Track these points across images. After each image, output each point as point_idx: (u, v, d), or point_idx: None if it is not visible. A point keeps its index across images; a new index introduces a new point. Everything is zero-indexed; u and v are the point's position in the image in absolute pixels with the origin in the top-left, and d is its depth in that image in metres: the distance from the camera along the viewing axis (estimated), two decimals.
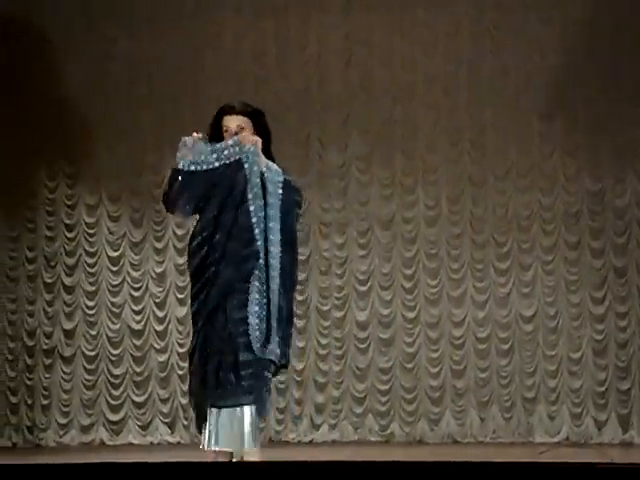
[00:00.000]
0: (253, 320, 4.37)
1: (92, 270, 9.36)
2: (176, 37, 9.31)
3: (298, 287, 9.33)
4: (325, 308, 9.25)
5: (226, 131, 4.73)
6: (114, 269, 9.35)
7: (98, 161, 9.34)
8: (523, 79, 9.17)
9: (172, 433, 9.19)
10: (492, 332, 9.11)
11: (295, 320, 4.85)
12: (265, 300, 4.41)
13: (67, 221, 9.40)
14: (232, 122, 4.73)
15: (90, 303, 9.34)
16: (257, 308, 4.39)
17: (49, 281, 9.35)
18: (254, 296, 4.40)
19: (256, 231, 4.45)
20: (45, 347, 9.30)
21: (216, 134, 4.76)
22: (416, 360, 9.14)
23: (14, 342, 9.31)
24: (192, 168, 4.65)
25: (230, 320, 4.37)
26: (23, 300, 9.36)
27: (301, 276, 9.32)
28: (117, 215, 9.39)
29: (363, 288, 9.24)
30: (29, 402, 9.25)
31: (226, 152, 4.64)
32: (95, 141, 9.32)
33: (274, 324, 4.41)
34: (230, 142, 4.65)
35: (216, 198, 4.49)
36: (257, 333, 4.37)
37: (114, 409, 9.23)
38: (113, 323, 9.31)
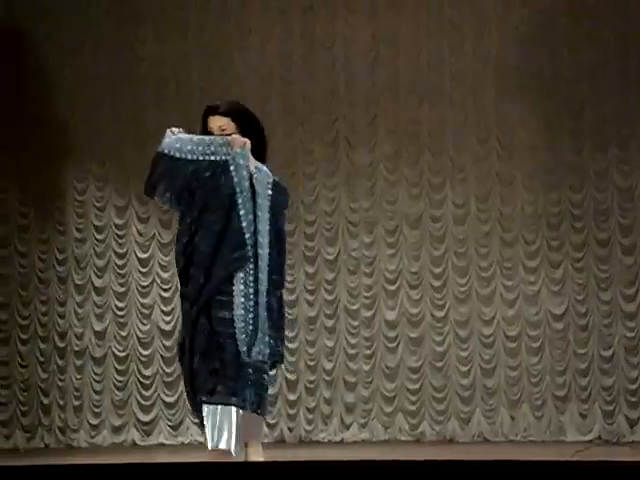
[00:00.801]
0: (239, 323, 4.35)
1: (122, 271, 9.41)
2: (203, 38, 9.34)
3: (327, 287, 9.35)
4: (354, 307, 9.25)
5: (210, 132, 4.75)
6: (143, 270, 9.40)
7: (127, 162, 9.38)
8: (552, 75, 9.11)
9: (203, 433, 9.20)
10: (522, 330, 9.07)
11: (286, 316, 4.74)
12: (252, 303, 4.37)
13: (97, 223, 9.45)
14: (214, 123, 4.73)
15: (120, 304, 9.39)
16: (242, 311, 4.35)
17: (79, 283, 9.41)
18: (239, 299, 4.36)
19: (247, 235, 4.39)
20: (76, 348, 9.36)
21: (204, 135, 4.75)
22: (446, 359, 9.12)
23: (45, 344, 9.38)
24: (177, 155, 4.62)
25: (216, 323, 4.34)
26: (54, 302, 9.42)
27: (329, 276, 9.34)
28: (146, 216, 9.44)
29: (392, 287, 9.23)
30: (61, 403, 9.31)
31: (212, 148, 4.60)
32: (123, 142, 9.37)
33: (262, 326, 4.38)
34: (219, 140, 4.60)
35: (199, 196, 4.43)
36: (243, 336, 4.34)
37: (145, 410, 9.27)
38: (143, 324, 9.36)
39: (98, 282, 9.41)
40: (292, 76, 9.35)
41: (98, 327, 9.37)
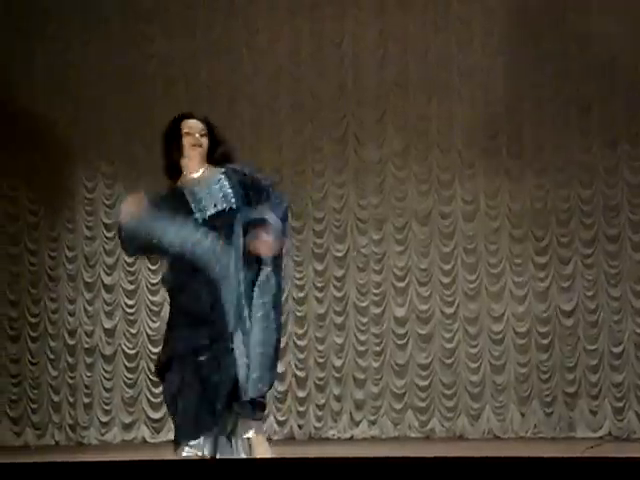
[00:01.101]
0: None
1: (131, 269, 9.43)
2: (212, 36, 9.35)
3: (337, 284, 9.32)
4: (363, 304, 9.25)
5: (188, 134, 4.77)
6: (153, 268, 9.41)
7: (136, 160, 9.39)
8: (561, 71, 9.09)
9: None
10: (532, 327, 9.05)
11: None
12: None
13: (106, 220, 9.47)
14: (194, 126, 4.79)
15: (130, 302, 9.41)
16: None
17: (89, 280, 9.43)
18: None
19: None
20: (86, 346, 9.38)
21: (173, 142, 4.76)
22: (455, 356, 9.11)
23: (55, 341, 9.41)
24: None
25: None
26: (64, 299, 9.44)
27: (339, 273, 9.34)
28: None
29: (401, 284, 9.22)
30: (71, 401, 9.33)
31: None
32: (133, 140, 9.38)
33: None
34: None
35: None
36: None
37: (155, 407, 9.28)
38: (153, 321, 9.37)
39: (108, 280, 9.43)
40: (300, 73, 9.35)
41: (108, 324, 9.39)
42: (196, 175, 4.73)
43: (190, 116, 4.85)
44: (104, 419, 9.30)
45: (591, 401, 8.91)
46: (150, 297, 9.39)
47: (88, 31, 9.38)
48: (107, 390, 9.33)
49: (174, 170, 4.79)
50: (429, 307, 9.18)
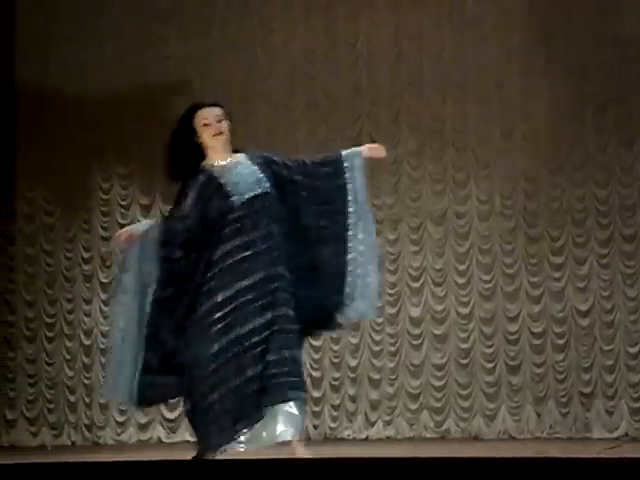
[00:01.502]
0: None
1: None
2: (226, 35, 9.36)
3: None
4: (378, 304, 9.22)
5: (205, 125, 4.72)
6: None
7: (151, 161, 9.39)
8: (576, 70, 9.05)
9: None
10: (547, 327, 9.02)
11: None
12: None
13: (122, 221, 9.49)
14: (211, 113, 4.72)
15: None
16: None
17: (105, 281, 9.45)
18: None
19: None
20: (102, 346, 9.39)
21: (188, 137, 4.75)
22: (471, 356, 9.09)
23: (71, 342, 9.43)
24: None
25: None
26: (79, 300, 9.47)
27: None
28: None
29: (416, 284, 9.21)
30: (87, 401, 9.35)
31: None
32: (148, 141, 9.39)
33: None
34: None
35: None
36: None
37: (171, 407, 9.29)
38: None
39: None
40: (315, 73, 9.35)
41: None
42: (223, 162, 4.70)
43: (201, 105, 4.75)
44: (120, 419, 9.32)
45: (607, 401, 8.88)
46: None
47: (103, 31, 9.40)
48: None
49: (185, 165, 4.75)
50: (444, 307, 9.16)
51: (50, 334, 9.45)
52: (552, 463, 3.31)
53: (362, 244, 4.73)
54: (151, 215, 9.49)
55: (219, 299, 4.49)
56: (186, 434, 9.28)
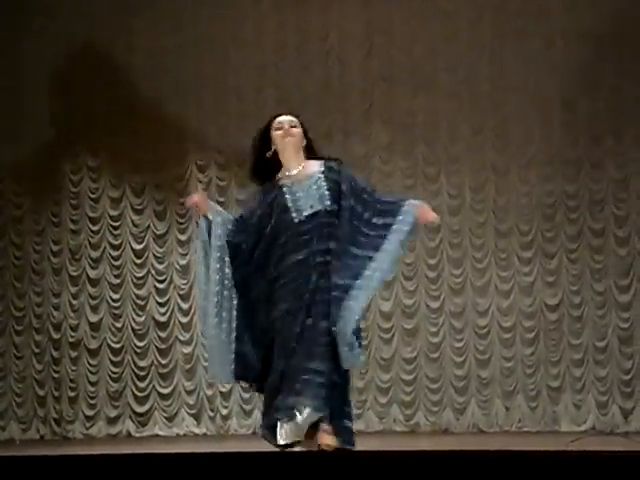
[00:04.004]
0: None
1: (117, 263, 9.41)
2: (197, 29, 9.32)
3: None
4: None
5: (277, 128, 5.00)
6: (138, 262, 9.39)
7: (121, 154, 9.37)
8: (546, 66, 9.11)
9: (198, 424, 9.23)
10: (517, 321, 9.08)
11: None
12: None
13: (91, 214, 9.44)
14: (285, 119, 5.05)
15: (115, 296, 9.38)
16: None
17: (74, 274, 9.40)
18: None
19: None
20: (71, 340, 9.36)
21: (263, 140, 5.01)
22: (441, 350, 9.13)
23: (40, 335, 9.38)
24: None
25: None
26: (48, 293, 9.42)
27: None
28: (141, 208, 9.43)
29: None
30: (56, 395, 9.31)
31: None
32: (118, 134, 9.36)
33: None
34: None
35: None
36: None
37: (140, 401, 9.27)
38: (138, 315, 9.36)
39: (93, 273, 9.40)
40: (286, 67, 9.34)
41: (93, 318, 9.37)
42: (295, 172, 4.93)
43: (279, 115, 5.08)
44: (89, 413, 9.29)
45: (575, 395, 8.95)
46: (135, 291, 9.38)
47: (74, 24, 9.34)
48: (92, 384, 9.31)
49: (265, 170, 4.96)
50: (415, 301, 9.19)
51: (19, 327, 9.39)
52: (520, 456, 3.33)
53: (372, 281, 4.84)
54: (120, 208, 9.45)
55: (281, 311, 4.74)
56: (155, 428, 9.27)
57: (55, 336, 9.37)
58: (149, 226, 9.41)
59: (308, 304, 4.70)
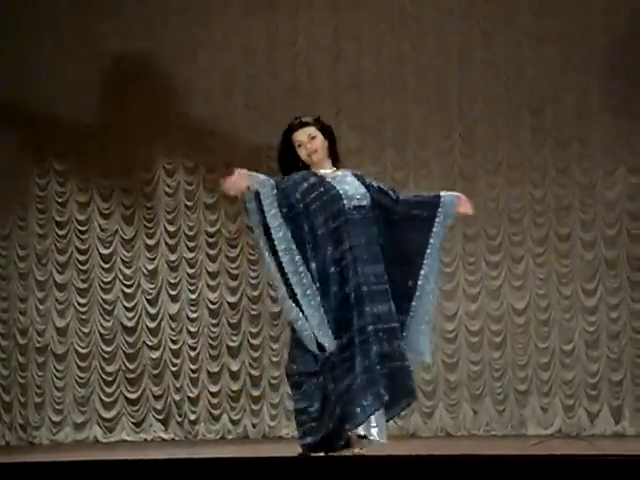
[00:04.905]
0: None
1: (84, 267, 9.35)
2: (166, 33, 9.29)
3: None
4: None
5: (299, 146, 5.01)
6: (106, 266, 9.34)
7: (89, 158, 9.33)
8: (513, 72, 9.18)
9: (166, 430, 9.19)
10: (484, 325, 9.13)
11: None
12: None
13: (58, 218, 9.39)
14: (302, 135, 5.00)
15: (82, 300, 9.33)
16: None
17: (41, 279, 9.34)
18: None
19: None
20: (37, 345, 9.29)
21: (288, 154, 5.04)
22: None
23: (6, 340, 9.30)
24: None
25: None
26: (15, 298, 9.34)
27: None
28: (108, 212, 9.38)
29: None
30: (22, 400, 9.24)
31: None
32: (85, 138, 9.31)
33: None
34: None
35: None
36: None
37: (107, 406, 9.23)
38: (105, 320, 9.31)
39: (60, 278, 9.35)
40: (255, 72, 9.33)
41: (60, 323, 9.31)
42: (329, 171, 5.00)
43: (295, 127, 5.03)
44: (56, 419, 9.22)
45: (542, 398, 9.01)
46: (102, 296, 9.33)
47: (41, 28, 9.28)
48: (59, 389, 9.25)
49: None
50: None
51: None
52: (487, 460, 3.35)
53: (429, 283, 5.06)
54: (87, 212, 9.40)
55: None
56: (123, 433, 9.22)
57: (21, 341, 9.30)
58: (117, 230, 9.37)
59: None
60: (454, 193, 5.16)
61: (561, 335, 9.05)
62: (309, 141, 4.98)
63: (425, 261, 5.02)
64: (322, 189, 4.88)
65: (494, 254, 9.17)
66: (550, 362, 9.04)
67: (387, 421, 4.84)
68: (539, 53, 9.13)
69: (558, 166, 9.15)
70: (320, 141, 5.01)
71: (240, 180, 4.82)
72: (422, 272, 5.00)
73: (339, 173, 5.02)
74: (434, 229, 5.06)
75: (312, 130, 5.02)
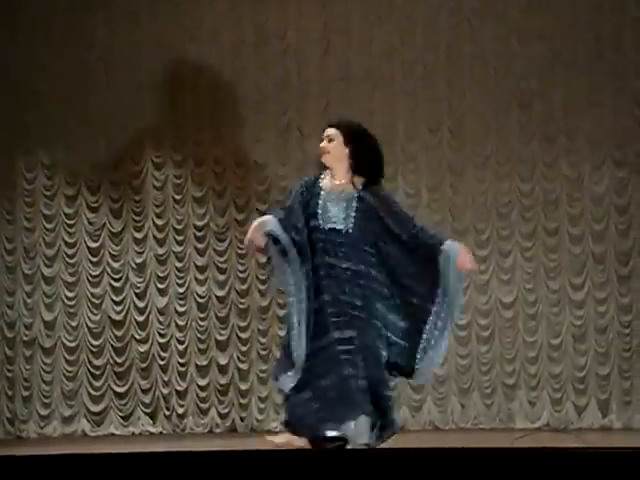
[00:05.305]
0: None
1: (72, 261, 9.33)
2: (154, 26, 9.27)
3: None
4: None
5: (321, 141, 5.25)
6: (94, 260, 9.32)
7: (76, 152, 9.29)
8: (502, 66, 9.19)
9: (154, 423, 9.19)
10: (472, 319, 9.15)
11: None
12: None
13: (46, 212, 9.36)
14: (325, 133, 5.21)
15: (70, 294, 9.31)
16: None
17: (28, 272, 9.31)
18: None
19: None
20: (25, 338, 9.27)
21: None
22: None
23: None
24: None
25: None
26: (2, 291, 9.31)
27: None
28: (96, 206, 9.36)
29: None
30: (10, 394, 9.22)
31: None
32: (73, 131, 9.28)
33: None
34: None
35: None
36: None
37: (95, 400, 9.21)
38: (93, 314, 9.29)
39: (47, 272, 9.32)
40: (243, 65, 9.32)
41: (48, 317, 9.28)
42: (337, 182, 5.12)
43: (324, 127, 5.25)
44: (43, 412, 9.20)
45: (530, 392, 9.04)
46: (91, 289, 9.31)
47: (29, 20, 9.24)
48: (46, 383, 9.23)
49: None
50: None
51: None
52: (475, 453, 3.36)
53: (441, 320, 5.14)
54: (75, 205, 9.37)
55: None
56: (111, 427, 9.21)
57: (9, 335, 9.27)
58: (105, 224, 9.35)
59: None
60: (455, 247, 5.20)
61: (549, 329, 9.08)
62: (325, 142, 5.15)
63: (437, 298, 5.10)
64: (309, 207, 5.08)
65: (482, 248, 9.19)
66: (538, 356, 9.06)
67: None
68: (527, 48, 9.14)
69: (546, 160, 9.17)
70: (334, 145, 5.13)
71: (254, 234, 5.02)
72: (430, 318, 5.08)
73: (342, 189, 5.11)
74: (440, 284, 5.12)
75: (332, 132, 5.16)
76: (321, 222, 5.02)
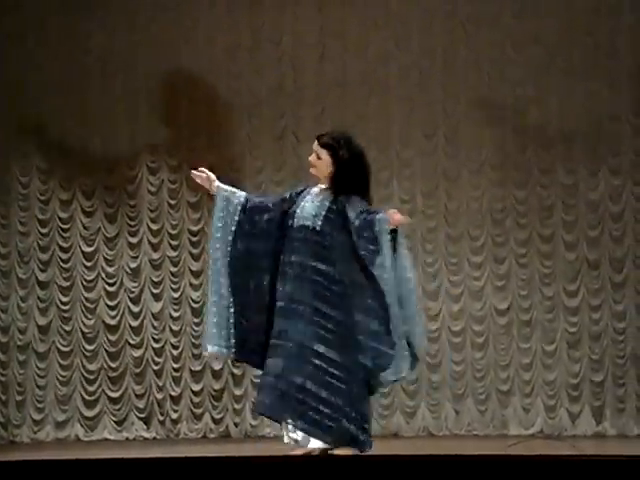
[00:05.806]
0: None
1: (66, 265, 9.32)
2: (150, 31, 9.27)
3: None
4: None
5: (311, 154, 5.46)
6: (88, 264, 9.31)
7: (71, 156, 9.29)
8: (497, 72, 9.20)
9: (148, 429, 9.17)
10: (467, 325, 9.15)
11: None
12: None
13: (40, 216, 9.34)
14: (313, 146, 5.40)
15: (64, 299, 9.29)
16: None
17: (23, 277, 9.30)
18: None
19: None
20: (19, 343, 9.25)
21: None
22: None
23: None
24: None
25: None
26: None
27: None
28: (91, 210, 9.35)
29: None
30: (3, 398, 9.19)
31: None
32: (68, 136, 9.27)
33: None
34: None
35: None
36: None
37: (89, 405, 9.19)
38: (88, 318, 9.27)
39: (42, 276, 9.31)
40: (239, 70, 9.32)
41: (42, 321, 9.27)
42: (323, 187, 5.34)
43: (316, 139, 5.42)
44: (37, 417, 9.18)
45: (524, 399, 9.04)
46: (85, 294, 9.29)
47: (25, 24, 9.24)
48: (40, 388, 9.21)
49: None
50: None
51: None
52: (469, 460, 3.36)
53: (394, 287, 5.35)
54: (70, 210, 9.36)
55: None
56: (105, 432, 9.19)
57: (3, 339, 9.25)
58: (99, 229, 9.34)
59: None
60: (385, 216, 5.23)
61: (543, 336, 9.08)
62: (314, 156, 5.35)
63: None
64: (290, 211, 5.30)
65: (477, 255, 9.19)
66: (532, 363, 9.07)
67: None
68: (522, 54, 9.16)
69: (541, 167, 9.18)
70: (320, 163, 5.32)
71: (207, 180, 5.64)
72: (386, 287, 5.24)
73: (317, 192, 5.31)
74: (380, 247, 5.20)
75: (319, 150, 5.34)
76: (295, 221, 5.23)
